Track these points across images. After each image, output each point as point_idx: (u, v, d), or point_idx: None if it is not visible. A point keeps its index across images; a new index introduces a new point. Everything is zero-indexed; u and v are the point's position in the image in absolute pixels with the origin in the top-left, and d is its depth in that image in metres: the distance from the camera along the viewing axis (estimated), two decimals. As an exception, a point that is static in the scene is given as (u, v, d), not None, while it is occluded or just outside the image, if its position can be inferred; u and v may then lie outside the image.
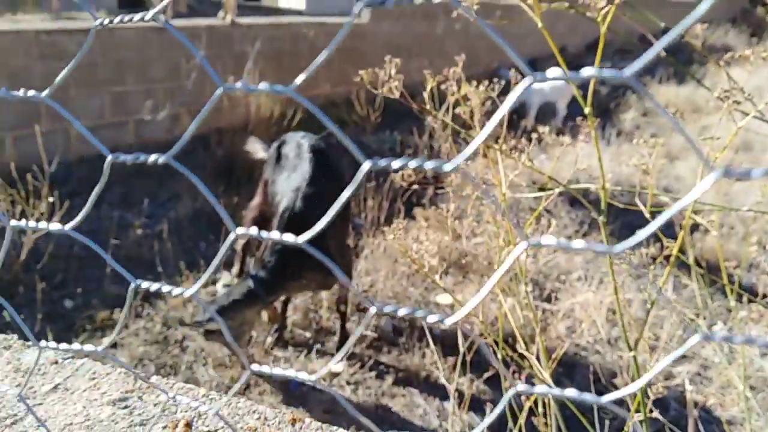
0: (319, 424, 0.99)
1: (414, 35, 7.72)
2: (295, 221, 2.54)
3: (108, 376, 1.20)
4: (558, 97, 6.55)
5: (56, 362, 1.24)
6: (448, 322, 0.42)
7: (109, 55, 4.84)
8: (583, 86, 6.96)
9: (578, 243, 0.38)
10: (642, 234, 0.36)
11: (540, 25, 1.01)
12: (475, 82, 1.35)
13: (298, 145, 2.88)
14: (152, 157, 0.54)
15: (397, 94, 1.18)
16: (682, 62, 9.16)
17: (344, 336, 2.94)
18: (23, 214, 3.30)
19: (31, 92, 0.61)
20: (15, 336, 1.30)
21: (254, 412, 1.03)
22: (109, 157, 0.62)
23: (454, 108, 1.41)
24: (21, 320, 0.69)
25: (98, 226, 3.85)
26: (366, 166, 0.45)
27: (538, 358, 1.57)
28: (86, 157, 4.74)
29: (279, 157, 2.93)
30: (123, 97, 5.04)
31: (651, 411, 1.31)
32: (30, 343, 1.32)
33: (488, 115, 1.56)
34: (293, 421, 1.01)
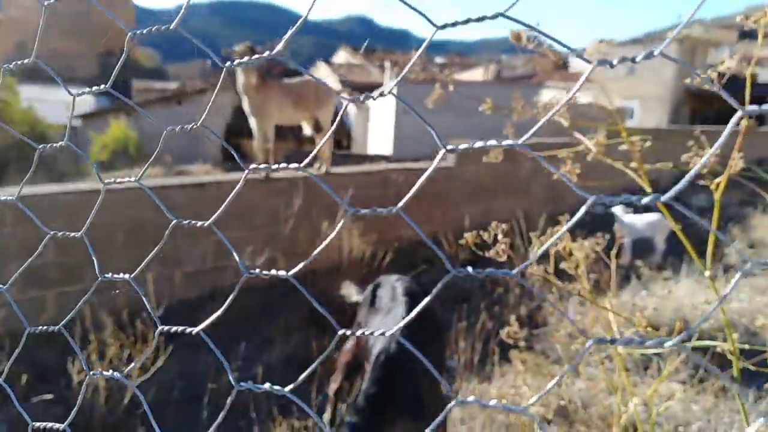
0: None
1: (499, 177, 7.91)
2: (390, 365, 2.50)
3: None
4: (654, 233, 6.34)
5: None
6: None
7: (216, 205, 5.23)
8: (683, 218, 6.72)
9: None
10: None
11: (648, 189, 1.01)
12: (579, 240, 1.33)
13: (393, 288, 2.90)
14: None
15: (504, 257, 1.19)
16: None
17: None
18: (130, 358, 3.45)
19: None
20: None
21: None
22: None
23: (556, 261, 1.39)
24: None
25: (196, 369, 3.94)
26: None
27: None
28: (186, 300, 5.00)
29: (373, 300, 2.95)
30: (223, 245, 5.37)
31: None
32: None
33: (592, 266, 1.52)
34: None
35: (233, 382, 0.64)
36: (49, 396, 3.39)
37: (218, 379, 3.74)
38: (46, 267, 4.39)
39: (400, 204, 0.57)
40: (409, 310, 2.73)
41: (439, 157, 0.54)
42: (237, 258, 0.69)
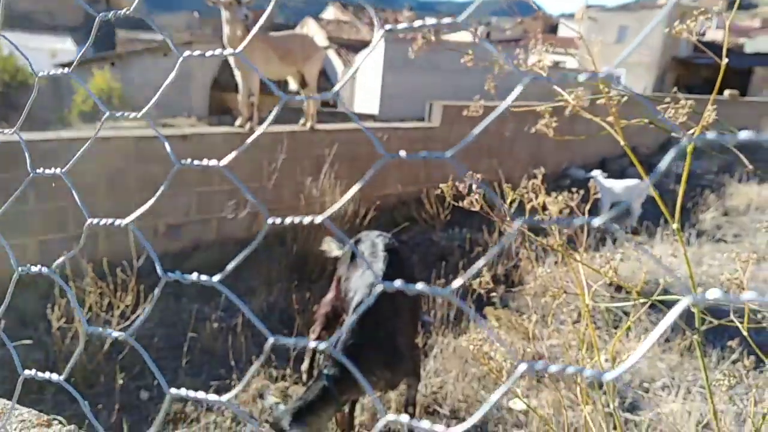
0: None
1: (483, 136, 7.92)
2: (368, 316, 2.56)
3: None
4: (631, 197, 6.44)
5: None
6: None
7: (199, 158, 5.20)
8: (658, 185, 6.81)
9: None
10: None
11: (623, 143, 1.05)
12: (554, 194, 1.37)
13: (373, 243, 2.96)
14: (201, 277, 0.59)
15: (477, 207, 1.22)
16: (764, 160, 8.87)
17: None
18: (110, 306, 3.49)
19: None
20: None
21: None
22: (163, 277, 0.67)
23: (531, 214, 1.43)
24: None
25: (178, 318, 4.00)
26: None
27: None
28: (170, 252, 5.02)
29: (354, 255, 3.01)
30: (208, 196, 5.37)
31: None
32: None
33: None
34: None
35: (160, 273, 0.67)
36: (28, 341, 3.42)
37: (198, 328, 3.80)
38: (28, 214, 4.37)
39: (338, 87, 0.60)
40: (388, 266, 2.79)
41: (377, 40, 0.56)
42: (168, 147, 0.70)
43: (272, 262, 4.77)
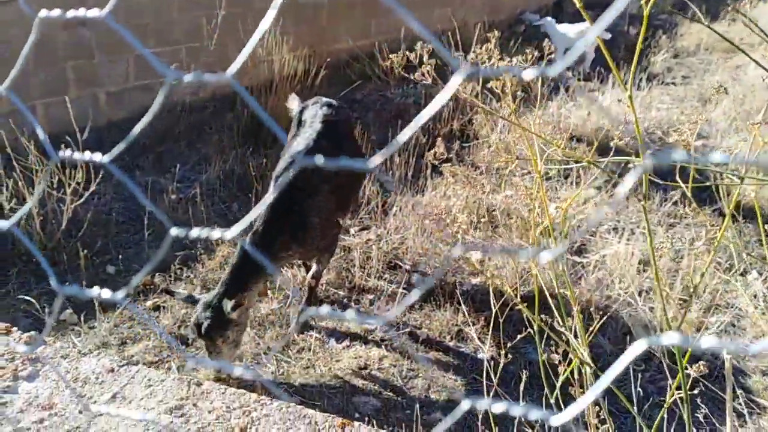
0: (369, 427, 1.04)
1: (436, -18, 7.52)
2: (285, 191, 2.55)
3: (162, 384, 1.26)
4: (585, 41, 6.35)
5: (112, 370, 1.31)
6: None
7: (129, 19, 4.82)
8: (612, 29, 6.71)
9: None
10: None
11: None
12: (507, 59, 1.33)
13: (315, 114, 2.88)
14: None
15: (429, 79, 1.19)
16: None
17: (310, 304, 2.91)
18: (61, 184, 3.39)
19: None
20: (70, 345, 1.36)
21: (305, 416, 1.08)
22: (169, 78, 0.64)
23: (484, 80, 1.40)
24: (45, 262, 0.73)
25: (132, 192, 3.94)
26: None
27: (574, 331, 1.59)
28: (115, 122, 4.81)
29: (300, 122, 2.94)
30: (147, 60, 5.04)
31: (687, 368, 1.33)
32: (85, 350, 1.39)
33: (520, 87, 1.55)
34: (342, 426, 1.07)
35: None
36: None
37: (155, 201, 3.77)
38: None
39: None
40: (318, 138, 2.73)
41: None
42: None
43: (224, 128, 4.65)
